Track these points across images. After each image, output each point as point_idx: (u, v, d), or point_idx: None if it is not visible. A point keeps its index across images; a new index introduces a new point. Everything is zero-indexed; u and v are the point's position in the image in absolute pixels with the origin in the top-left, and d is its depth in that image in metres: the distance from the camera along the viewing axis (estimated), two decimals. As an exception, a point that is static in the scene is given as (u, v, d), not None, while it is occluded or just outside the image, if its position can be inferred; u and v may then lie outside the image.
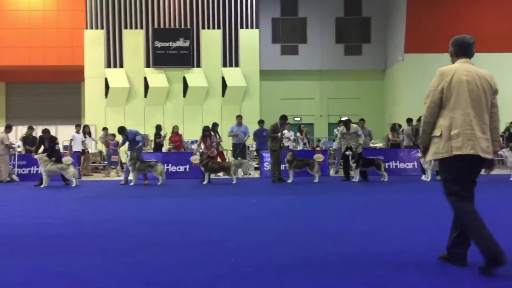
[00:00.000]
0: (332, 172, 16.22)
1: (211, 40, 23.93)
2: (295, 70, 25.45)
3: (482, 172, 4.15)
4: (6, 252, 4.87)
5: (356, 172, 13.11)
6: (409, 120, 16.29)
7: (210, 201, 9.28)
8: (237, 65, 24.02)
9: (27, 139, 15.80)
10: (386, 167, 13.63)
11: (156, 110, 23.47)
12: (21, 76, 25.45)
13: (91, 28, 23.63)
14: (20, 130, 21.15)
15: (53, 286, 3.71)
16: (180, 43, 23.64)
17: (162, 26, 23.84)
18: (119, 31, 23.72)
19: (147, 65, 23.72)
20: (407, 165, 15.59)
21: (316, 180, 12.99)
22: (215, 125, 14.93)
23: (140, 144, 13.44)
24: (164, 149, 17.42)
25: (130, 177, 13.18)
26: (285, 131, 16.13)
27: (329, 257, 4.45)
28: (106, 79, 23.31)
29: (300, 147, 18.04)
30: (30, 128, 15.90)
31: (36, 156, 13.16)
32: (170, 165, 15.45)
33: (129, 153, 13.21)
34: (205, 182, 13.10)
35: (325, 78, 25.76)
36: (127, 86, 23.37)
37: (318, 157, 14.82)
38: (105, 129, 18.28)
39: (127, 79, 23.43)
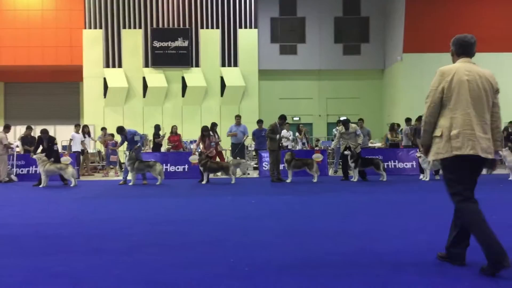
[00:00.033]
0: (331, 172, 16.22)
1: (209, 40, 23.92)
2: (294, 70, 25.47)
3: (484, 172, 4.14)
4: (5, 252, 4.86)
5: (355, 172, 13.12)
6: (408, 120, 16.29)
7: (209, 201, 9.28)
8: (235, 65, 24.02)
9: (26, 139, 15.78)
10: (385, 166, 13.64)
11: (155, 110, 23.45)
12: (20, 76, 25.43)
13: (90, 28, 23.62)
14: (19, 130, 21.15)
15: (52, 286, 3.70)
16: (179, 43, 23.63)
17: (160, 26, 23.83)
18: (118, 31, 23.71)
19: (146, 65, 23.71)
20: (406, 165, 15.60)
21: (315, 180, 12.99)
22: (214, 125, 14.93)
23: (139, 144, 13.43)
24: (163, 149, 17.42)
25: (129, 177, 13.17)
26: (284, 131, 16.13)
27: (328, 257, 4.45)
28: (104, 79, 23.30)
29: (299, 147, 18.05)
30: (29, 128, 15.88)
31: (34, 156, 13.15)
32: (169, 165, 15.44)
33: (127, 153, 13.20)
34: (204, 182, 13.10)
35: (324, 78, 25.79)
36: (126, 86, 23.35)
37: (317, 157, 14.82)
38: (103, 129, 18.28)
39: (125, 79, 23.42)
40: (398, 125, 17.77)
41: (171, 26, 23.84)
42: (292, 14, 25.69)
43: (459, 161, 3.92)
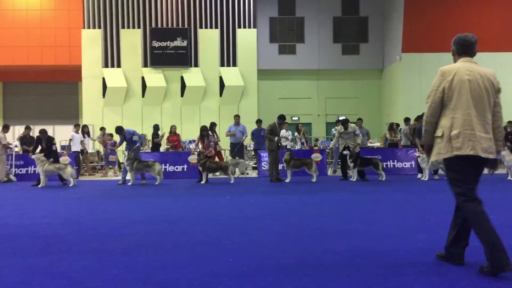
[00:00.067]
0: (330, 172, 16.23)
1: (208, 40, 23.92)
2: (292, 70, 25.48)
3: (485, 171, 4.12)
4: (3, 252, 4.85)
5: (354, 172, 13.12)
6: (407, 120, 16.31)
7: (208, 200, 9.27)
8: (234, 64, 24.02)
9: (25, 139, 15.77)
10: (384, 166, 13.65)
11: (154, 110, 23.44)
12: (19, 76, 25.41)
13: (89, 27, 23.60)
14: (18, 130, 21.15)
15: (50, 286, 3.70)
16: (178, 42, 23.62)
17: (159, 25, 23.82)
18: (117, 30, 23.70)
19: (145, 65, 23.70)
20: (405, 165, 15.61)
21: (314, 180, 12.99)
22: (213, 124, 14.93)
23: (138, 144, 13.43)
24: (162, 149, 17.42)
25: (128, 177, 13.17)
26: (283, 131, 16.14)
27: (326, 256, 4.45)
28: (103, 78, 23.28)
29: (298, 147, 18.07)
30: (28, 128, 15.88)
31: (33, 157, 13.14)
32: (168, 164, 15.45)
33: (126, 153, 13.20)
34: (203, 182, 13.10)
35: (323, 77, 25.79)
36: (125, 86, 23.34)
37: (316, 156, 14.85)
38: (102, 129, 18.28)
39: (124, 78, 23.41)
40: (397, 125, 17.77)
41: (170, 26, 23.84)
42: (291, 14, 25.69)
43: (460, 161, 3.91)
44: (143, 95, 23.56)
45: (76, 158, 15.83)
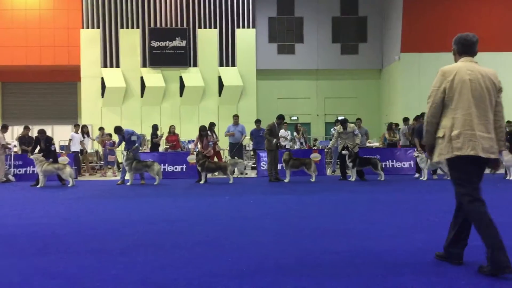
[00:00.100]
0: (329, 172, 16.23)
1: (207, 40, 23.91)
2: (291, 70, 25.48)
3: (487, 171, 4.11)
4: (2, 252, 4.85)
5: (353, 172, 13.13)
6: (406, 119, 16.31)
7: (207, 200, 9.27)
8: (233, 64, 24.02)
9: (23, 139, 15.76)
10: (383, 166, 13.66)
11: (153, 110, 23.44)
12: (17, 76, 25.39)
13: (88, 27, 23.59)
14: (16, 130, 21.10)
15: (49, 286, 3.69)
16: (177, 42, 23.62)
17: (158, 25, 23.81)
18: (116, 30, 23.68)
19: (144, 65, 23.70)
20: (404, 164, 15.62)
21: (313, 180, 13.00)
22: (212, 124, 14.93)
23: (137, 144, 13.42)
24: (161, 149, 17.41)
25: (127, 177, 13.16)
26: (282, 131, 16.13)
27: (325, 257, 4.45)
28: (102, 78, 23.27)
29: (297, 147, 18.07)
30: (26, 128, 15.86)
31: (32, 157, 13.13)
32: (167, 164, 15.44)
33: (125, 153, 13.19)
34: (202, 182, 13.10)
35: (322, 77, 25.80)
36: (124, 86, 23.33)
37: (315, 156, 14.85)
38: (101, 129, 18.27)
39: (123, 78, 23.40)
40: (396, 125, 17.76)
41: (169, 25, 23.83)
42: (290, 14, 25.69)
43: (462, 161, 3.91)
44: (142, 95, 23.55)
45: (76, 158, 15.82)
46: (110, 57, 23.59)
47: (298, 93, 25.64)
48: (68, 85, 25.69)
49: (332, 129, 16.38)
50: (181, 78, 23.61)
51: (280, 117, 13.69)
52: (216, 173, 14.55)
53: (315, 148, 18.55)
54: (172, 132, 16.99)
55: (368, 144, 17.00)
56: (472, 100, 3.90)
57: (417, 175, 13.81)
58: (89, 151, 17.95)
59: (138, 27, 23.77)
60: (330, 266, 4.13)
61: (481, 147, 3.85)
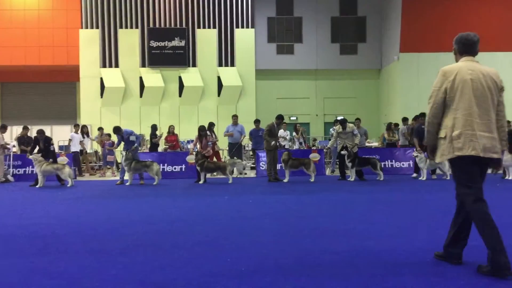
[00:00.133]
0: (328, 172, 16.24)
1: (206, 40, 23.91)
2: (290, 70, 25.49)
3: (489, 171, 4.09)
4: (1, 252, 4.84)
5: (352, 172, 13.13)
6: (405, 119, 16.31)
7: (206, 200, 9.27)
8: (232, 64, 24.02)
9: (22, 139, 15.75)
10: (382, 166, 13.66)
11: (152, 110, 23.43)
12: (16, 76, 25.37)
13: (86, 27, 23.58)
14: (15, 130, 21.07)
15: (48, 286, 3.69)
16: (176, 42, 23.61)
17: (157, 25, 23.81)
18: (115, 30, 23.67)
19: (143, 65, 23.69)
20: (403, 164, 15.63)
21: (312, 180, 13.00)
22: (211, 124, 14.93)
23: (136, 144, 13.42)
24: (160, 149, 17.40)
25: (126, 177, 13.15)
26: (281, 131, 16.13)
27: (325, 256, 4.45)
28: (101, 78, 23.27)
29: (296, 147, 18.06)
30: (25, 128, 15.85)
31: (31, 157, 13.11)
32: (166, 164, 15.43)
33: (124, 153, 13.18)
34: (201, 182, 13.09)
35: (321, 77, 25.81)
36: (123, 86, 23.32)
37: (314, 156, 14.85)
38: (100, 129, 18.27)
39: (122, 78, 23.39)
40: (395, 125, 17.76)
41: (167, 25, 23.82)
42: (289, 14, 25.69)
43: (463, 162, 3.90)
44: (141, 95, 23.55)
45: (76, 158, 15.81)
46: (109, 57, 23.58)
47: (297, 93, 25.65)
48: (67, 85, 25.68)
49: (331, 129, 16.39)
50: (180, 78, 23.61)
51: (279, 117, 13.69)
52: (215, 173, 14.54)
53: (314, 148, 18.56)
54: (171, 132, 16.99)
55: (367, 144, 17.01)
56: (473, 99, 3.89)
57: (414, 175, 13.83)
58: (88, 151, 17.95)
59: (137, 27, 23.76)
60: (329, 266, 4.13)
61: (482, 147, 3.84)
